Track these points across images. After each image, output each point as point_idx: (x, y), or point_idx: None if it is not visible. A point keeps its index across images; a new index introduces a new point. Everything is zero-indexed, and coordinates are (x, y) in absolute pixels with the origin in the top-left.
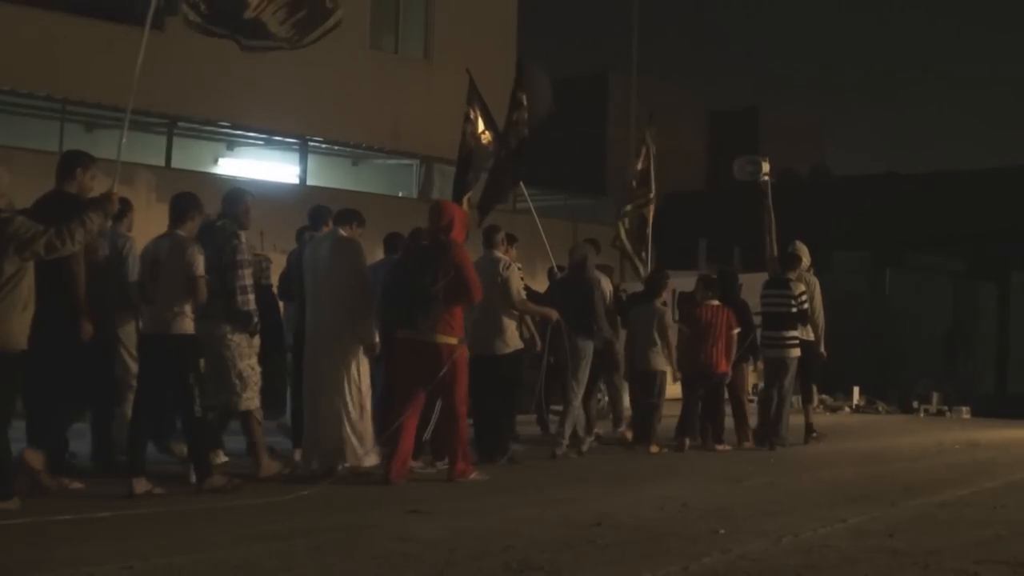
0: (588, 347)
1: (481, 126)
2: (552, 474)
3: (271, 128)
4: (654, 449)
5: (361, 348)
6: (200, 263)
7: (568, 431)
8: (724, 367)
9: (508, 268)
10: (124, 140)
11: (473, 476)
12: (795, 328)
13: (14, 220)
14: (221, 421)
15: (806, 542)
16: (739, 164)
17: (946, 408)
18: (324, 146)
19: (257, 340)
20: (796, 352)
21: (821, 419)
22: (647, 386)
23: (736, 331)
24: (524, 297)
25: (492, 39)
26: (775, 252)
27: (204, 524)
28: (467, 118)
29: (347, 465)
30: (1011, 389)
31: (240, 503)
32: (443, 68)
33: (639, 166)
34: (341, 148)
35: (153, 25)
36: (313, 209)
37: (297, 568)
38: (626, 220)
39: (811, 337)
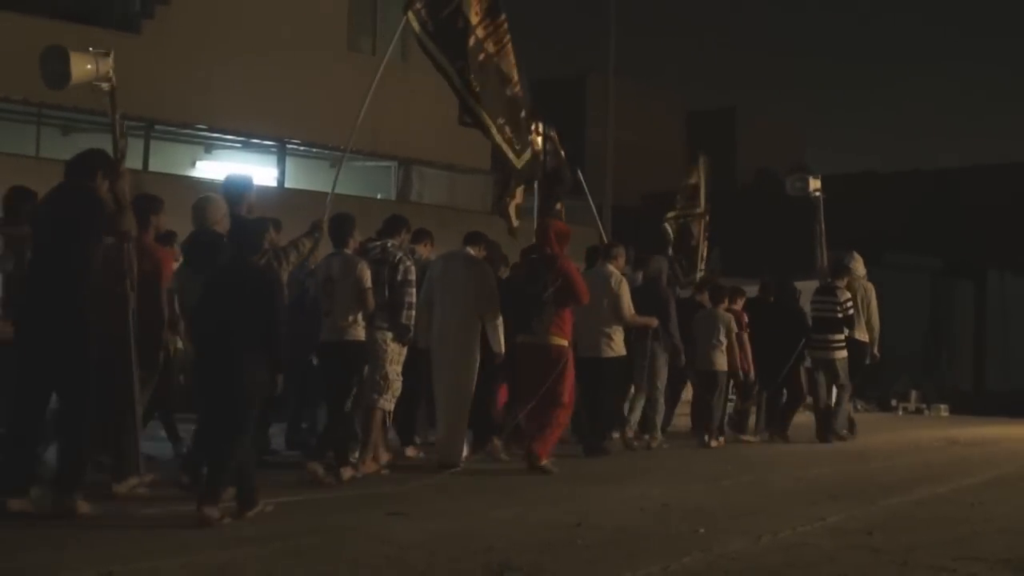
0: (664, 352)
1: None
2: (532, 475)
3: (249, 131)
4: (715, 444)
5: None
6: (368, 277)
7: (635, 421)
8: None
9: (620, 284)
10: (338, 176)
11: (545, 464)
12: (841, 332)
13: None
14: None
15: (785, 541)
16: (789, 181)
17: (924, 406)
18: (302, 148)
19: (405, 350)
20: (843, 354)
21: (801, 418)
22: (708, 385)
23: (743, 332)
24: (633, 311)
25: None
26: (825, 262)
27: (187, 528)
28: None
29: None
30: (989, 387)
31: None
32: (421, 70)
33: (691, 181)
34: (319, 150)
35: (129, 29)
36: (416, 231)
37: (278, 572)
38: (669, 229)
39: (865, 338)
